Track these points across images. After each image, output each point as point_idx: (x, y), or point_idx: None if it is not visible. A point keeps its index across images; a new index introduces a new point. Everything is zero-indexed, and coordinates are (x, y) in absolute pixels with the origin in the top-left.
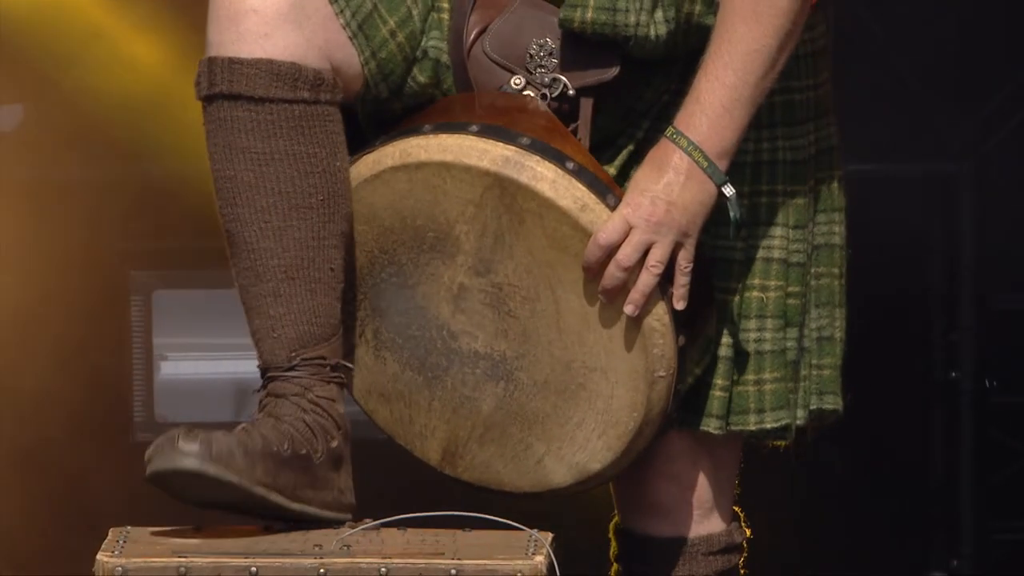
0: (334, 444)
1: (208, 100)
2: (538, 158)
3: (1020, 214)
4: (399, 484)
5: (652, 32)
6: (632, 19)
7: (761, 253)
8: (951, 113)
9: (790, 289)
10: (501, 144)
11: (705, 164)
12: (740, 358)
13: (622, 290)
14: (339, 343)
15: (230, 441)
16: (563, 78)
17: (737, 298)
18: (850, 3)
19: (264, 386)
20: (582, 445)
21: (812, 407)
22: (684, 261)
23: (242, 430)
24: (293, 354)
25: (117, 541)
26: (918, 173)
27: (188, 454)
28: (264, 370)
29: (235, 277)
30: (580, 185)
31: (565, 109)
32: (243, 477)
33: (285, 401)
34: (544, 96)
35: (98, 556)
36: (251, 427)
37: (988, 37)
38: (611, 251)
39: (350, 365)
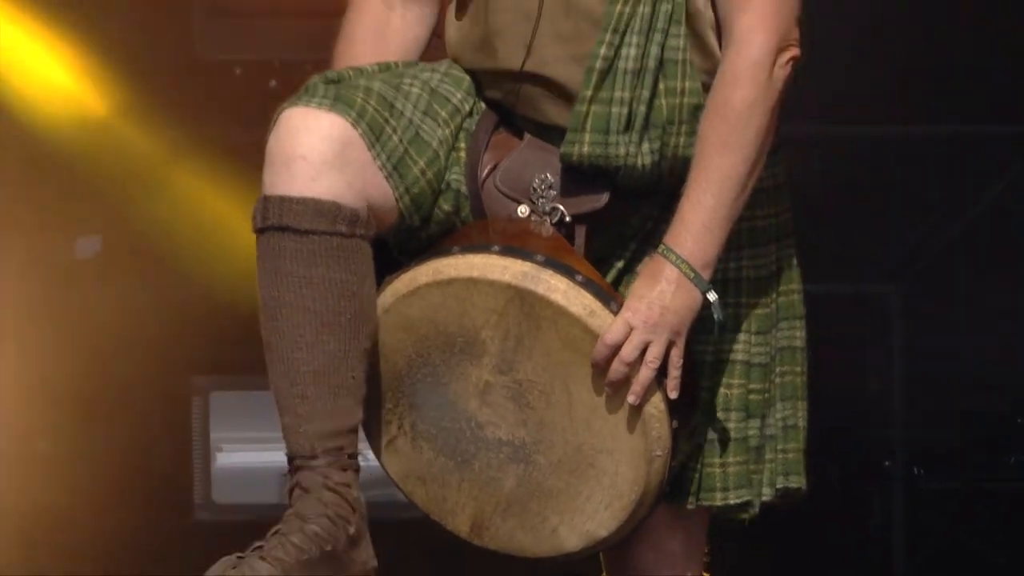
0: (351, 530)
1: (261, 232)
2: (551, 272)
3: (943, 328)
4: (419, 559)
5: (639, 162)
6: (622, 151)
7: (727, 356)
8: (883, 240)
9: (752, 386)
10: (519, 261)
11: (692, 275)
12: (709, 444)
13: (625, 382)
14: (355, 437)
15: (268, 567)
16: (561, 207)
17: (707, 394)
18: (800, 148)
19: (292, 473)
20: (591, 515)
21: (779, 486)
22: (676, 357)
23: (276, 536)
24: (315, 445)
25: None
26: (855, 292)
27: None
28: (291, 458)
29: (270, 380)
30: (587, 294)
31: (563, 234)
32: None
33: (309, 497)
34: (545, 223)
35: None
36: (284, 536)
37: (914, 172)
38: (616, 349)
39: (365, 454)
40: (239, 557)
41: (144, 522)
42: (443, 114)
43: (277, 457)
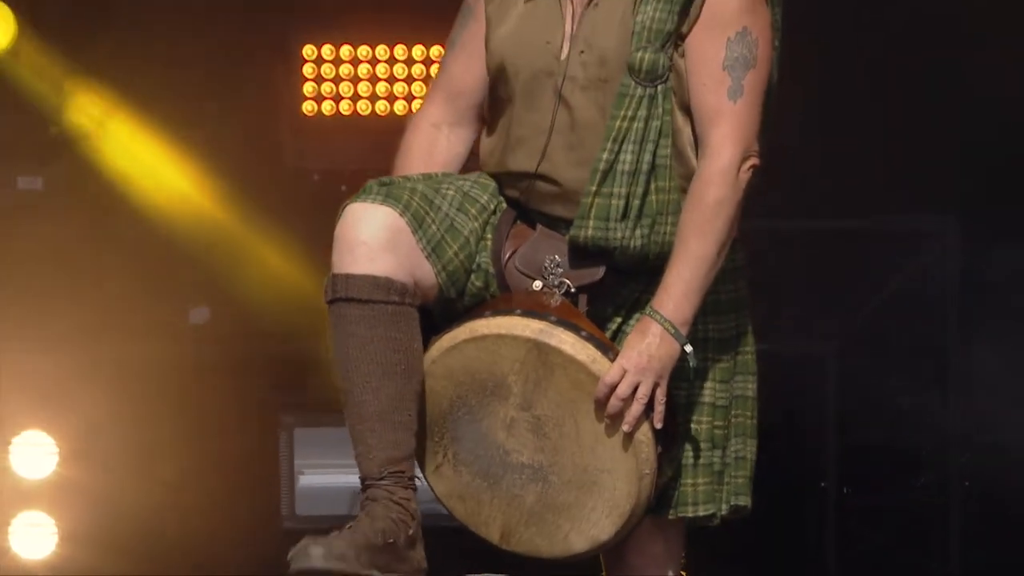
0: (410, 531)
1: (331, 303)
2: (562, 329)
3: (867, 380)
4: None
5: (632, 244)
6: (619, 234)
7: (697, 399)
8: (820, 305)
9: (716, 423)
10: (537, 320)
11: (673, 331)
12: (684, 468)
13: (620, 415)
14: (412, 463)
15: (342, 543)
16: (567, 281)
17: (682, 428)
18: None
19: (364, 490)
20: (595, 523)
21: (732, 503)
22: (661, 395)
23: (350, 528)
24: (382, 469)
25: None
26: (800, 351)
27: (316, 557)
28: (363, 479)
29: (345, 418)
30: (590, 346)
31: (570, 301)
32: (352, 565)
33: (378, 504)
34: (554, 294)
35: None
36: (356, 525)
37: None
38: (613, 388)
39: (420, 477)
40: (311, 539)
41: (242, 531)
42: (473, 211)
43: (346, 479)
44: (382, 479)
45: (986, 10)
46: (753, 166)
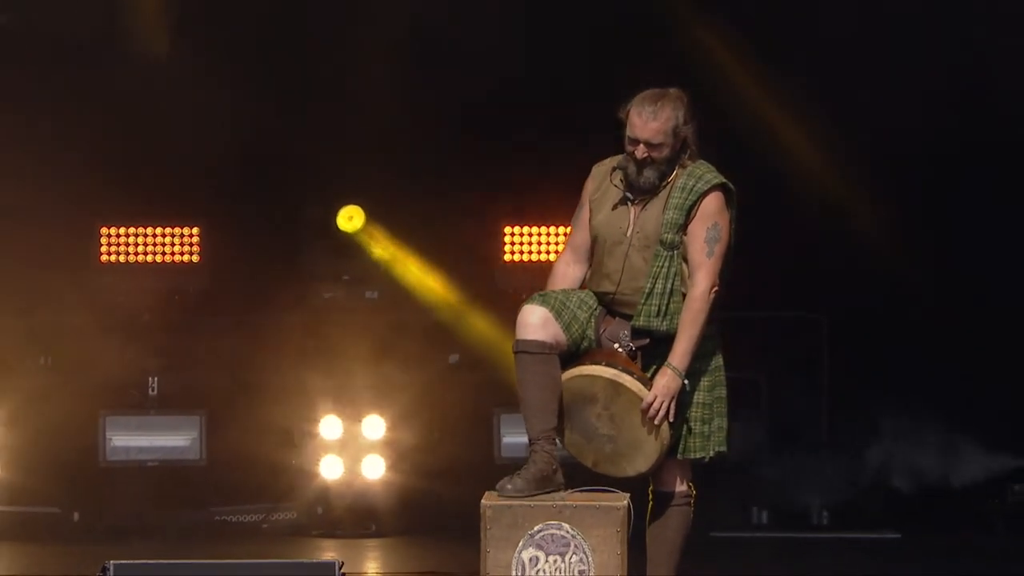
0: (554, 466)
1: (516, 353)
2: (626, 373)
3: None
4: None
5: (661, 328)
6: (655, 323)
7: (692, 399)
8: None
9: (704, 413)
10: (612, 368)
11: (678, 373)
12: (687, 434)
13: (653, 417)
14: (555, 431)
15: (520, 479)
16: (631, 345)
17: (685, 411)
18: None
19: (530, 445)
20: (639, 463)
21: (716, 450)
22: (673, 407)
23: (524, 468)
24: (539, 435)
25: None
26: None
27: (509, 487)
28: (530, 440)
29: (521, 409)
30: (639, 383)
31: (632, 356)
32: (528, 488)
33: (537, 454)
34: (623, 352)
35: (483, 501)
36: (527, 466)
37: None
38: (651, 404)
39: (559, 440)
40: (508, 478)
41: (474, 466)
42: (585, 308)
43: (523, 439)
44: (539, 440)
45: None
46: (716, 291)
